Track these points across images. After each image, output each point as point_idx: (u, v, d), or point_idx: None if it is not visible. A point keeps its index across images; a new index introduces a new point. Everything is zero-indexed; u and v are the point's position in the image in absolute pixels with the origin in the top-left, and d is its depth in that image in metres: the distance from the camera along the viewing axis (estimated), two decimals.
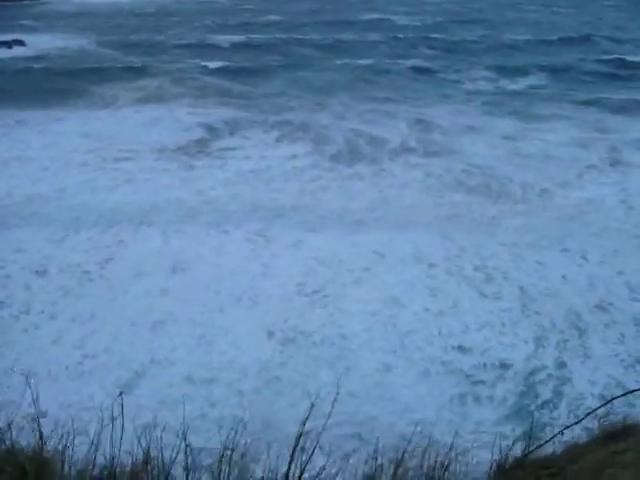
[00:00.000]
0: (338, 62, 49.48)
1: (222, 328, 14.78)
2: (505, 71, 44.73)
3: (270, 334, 14.55)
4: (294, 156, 27.05)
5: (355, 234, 19.57)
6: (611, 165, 25.93)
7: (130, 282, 16.93)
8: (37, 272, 17.46)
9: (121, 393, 5.50)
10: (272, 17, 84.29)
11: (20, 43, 60.16)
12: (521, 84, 42.01)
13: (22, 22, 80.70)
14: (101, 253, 18.52)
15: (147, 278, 17.11)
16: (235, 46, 57.72)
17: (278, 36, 64.07)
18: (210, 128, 30.87)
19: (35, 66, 48.71)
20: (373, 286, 16.61)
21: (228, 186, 23.63)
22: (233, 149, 28.19)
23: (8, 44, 59.83)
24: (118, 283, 16.91)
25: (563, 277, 17.16)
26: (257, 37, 64.39)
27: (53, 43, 61.54)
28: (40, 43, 61.22)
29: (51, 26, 75.67)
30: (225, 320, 15.13)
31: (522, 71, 44.83)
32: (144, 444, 4.66)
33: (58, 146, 28.61)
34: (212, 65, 47.93)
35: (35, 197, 22.69)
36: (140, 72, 44.23)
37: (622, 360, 13.69)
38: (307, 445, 4.78)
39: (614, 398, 7.53)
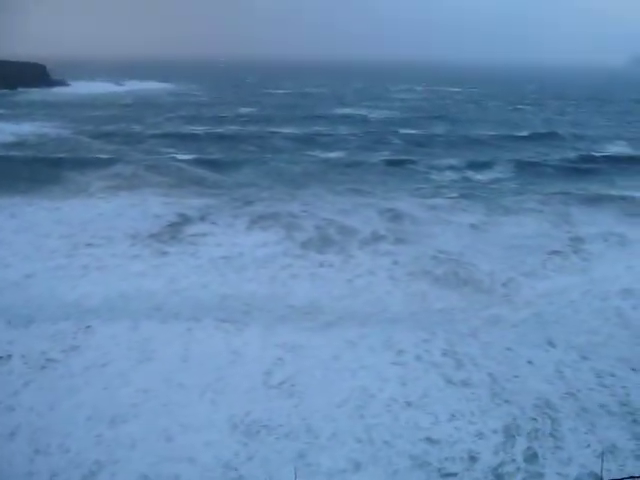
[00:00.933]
0: (310, 154, 50.85)
1: (185, 422, 14.40)
2: (472, 164, 46.21)
3: (234, 427, 14.21)
4: (265, 243, 27.30)
5: (324, 324, 19.53)
6: (575, 253, 26.52)
7: (94, 372, 16.56)
8: (0, 358, 17.16)
9: None
10: (247, 110, 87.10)
11: None
12: (488, 176, 43.34)
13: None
14: (67, 341, 18.19)
15: (111, 368, 16.75)
16: (210, 137, 59.13)
17: (252, 128, 65.82)
18: (182, 215, 31.13)
19: (11, 153, 49.32)
20: (341, 376, 16.46)
21: (199, 274, 23.61)
22: (205, 235, 28.37)
23: None
24: (81, 373, 16.52)
25: (530, 363, 17.23)
26: (232, 128, 66.14)
27: (29, 130, 62.61)
28: (17, 130, 62.33)
29: (29, 115, 77.18)
30: (188, 413, 14.75)
31: (488, 165, 46.34)
32: None
33: (30, 231, 28.62)
34: (186, 155, 48.90)
35: (1, 282, 22.42)
36: (115, 160, 44.74)
37: (594, 450, 13.57)
38: None
39: None
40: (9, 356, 17.40)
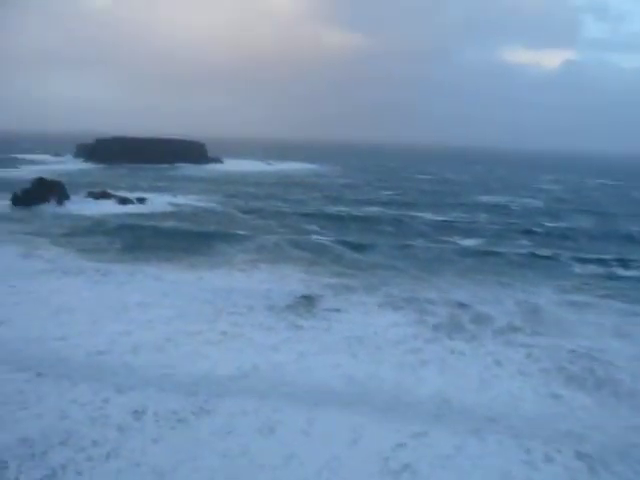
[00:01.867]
0: (448, 240, 50.75)
1: None
2: (619, 261, 43.93)
3: None
4: (397, 325, 27.37)
5: (450, 415, 19.03)
6: None
7: (217, 439, 17.10)
8: (135, 412, 18.31)
9: None
10: (388, 193, 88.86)
11: (141, 201, 67.14)
12: (636, 274, 40.95)
13: (158, 184, 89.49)
14: (198, 404, 19.06)
15: (234, 437, 17.20)
16: (351, 217, 60.65)
17: (392, 212, 66.90)
18: (319, 291, 32.23)
19: (166, 223, 53.47)
20: (461, 469, 16.01)
21: (331, 352, 23.89)
22: (339, 312, 28.92)
23: (142, 200, 66.92)
24: (206, 438, 17.16)
25: None
26: (372, 210, 67.59)
27: (185, 202, 67.62)
28: (174, 201, 67.56)
29: (186, 188, 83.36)
30: None
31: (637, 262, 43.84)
32: None
33: (174, 295, 30.73)
34: (327, 233, 50.63)
35: (142, 346, 24.03)
36: (259, 235, 47.11)
37: None
38: None
39: None
40: (144, 411, 18.49)
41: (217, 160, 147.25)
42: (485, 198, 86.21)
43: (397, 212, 66.57)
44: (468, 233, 54.29)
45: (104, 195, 68.98)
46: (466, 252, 44.74)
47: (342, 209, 67.42)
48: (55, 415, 18.03)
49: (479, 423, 18.54)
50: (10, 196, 64.00)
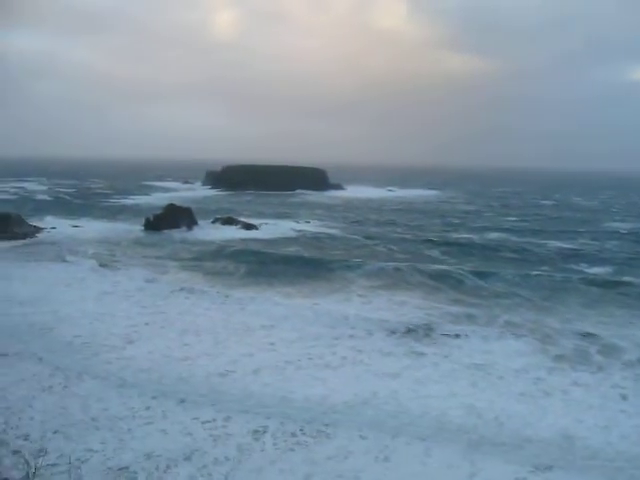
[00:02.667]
0: (574, 268, 48.51)
1: None
2: None
3: None
4: (519, 354, 26.43)
5: (575, 461, 17.78)
6: None
7: (333, 463, 17.09)
8: (255, 432, 18.68)
9: None
10: (511, 219, 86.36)
11: (264, 227, 69.02)
12: None
13: (281, 210, 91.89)
14: (315, 426, 19.19)
15: (349, 463, 17.14)
16: (474, 244, 59.23)
17: (515, 239, 64.84)
18: (439, 317, 31.89)
19: (288, 248, 54.83)
20: None
21: (449, 380, 23.40)
22: (458, 338, 28.39)
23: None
24: (323, 462, 17.16)
25: None
26: (495, 237, 65.81)
27: (306, 228, 69.07)
28: (296, 227, 69.30)
29: (308, 214, 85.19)
30: None
31: None
32: None
33: (294, 319, 31.26)
34: (447, 260, 49.93)
35: (263, 368, 24.55)
36: (379, 261, 47.12)
37: None
38: None
39: None
40: (264, 432, 18.84)
41: (338, 187, 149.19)
42: (615, 225, 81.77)
43: (521, 239, 64.46)
44: (596, 261, 51.63)
45: (229, 221, 71.68)
46: (593, 281, 42.45)
47: (464, 235, 66.24)
48: (179, 432, 18.74)
49: (606, 469, 17.30)
50: (143, 221, 68.20)
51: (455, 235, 66.69)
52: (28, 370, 23.67)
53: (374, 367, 24.76)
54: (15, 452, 16.82)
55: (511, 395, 22.09)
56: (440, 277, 42.35)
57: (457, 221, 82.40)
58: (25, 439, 17.89)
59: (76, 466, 16.33)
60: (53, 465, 16.30)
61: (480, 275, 42.73)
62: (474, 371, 24.40)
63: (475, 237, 65.13)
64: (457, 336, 28.67)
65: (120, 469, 16.45)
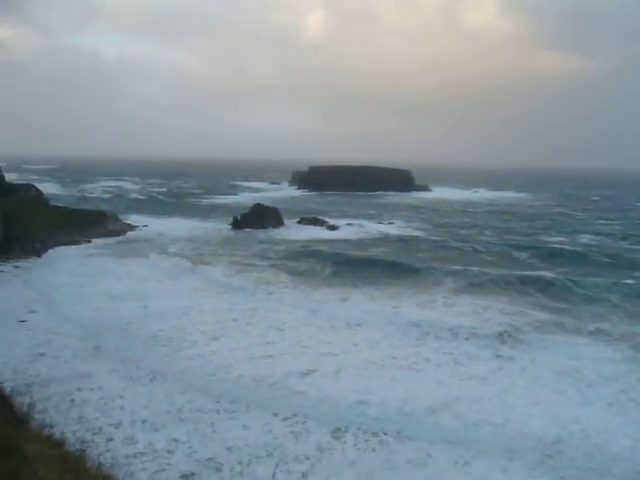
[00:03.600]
0: None
1: None
2: None
3: None
4: (608, 360, 25.55)
5: None
6: None
7: (414, 468, 16.95)
8: (336, 431, 18.81)
9: None
10: (605, 222, 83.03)
11: (349, 227, 69.64)
12: None
13: (367, 211, 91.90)
14: (396, 428, 19.12)
15: (429, 468, 16.91)
16: (564, 249, 56.91)
17: (609, 243, 62.27)
18: (526, 322, 31.05)
19: (374, 250, 54.79)
20: None
21: (535, 388, 22.66)
22: (545, 343, 27.65)
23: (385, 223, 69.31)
24: (403, 465, 17.06)
25: None
26: (588, 241, 63.30)
27: (391, 229, 68.72)
28: (382, 229, 69.14)
29: (393, 216, 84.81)
30: None
31: None
32: None
33: (384, 320, 31.22)
34: (535, 264, 48.66)
35: (345, 368, 24.67)
36: (465, 264, 46.37)
37: None
38: None
39: None
40: (345, 431, 18.92)
41: (424, 188, 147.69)
42: None
43: (614, 243, 61.95)
44: None
45: (315, 221, 72.40)
46: None
47: (554, 239, 64.08)
48: (260, 428, 19.06)
49: None
50: (231, 220, 69.88)
51: (544, 238, 64.61)
52: (118, 362, 24.78)
53: (459, 371, 24.44)
54: (109, 440, 17.65)
55: (599, 406, 21.20)
56: (527, 281, 41.14)
57: (546, 224, 79.93)
58: (117, 427, 18.69)
59: (163, 455, 16.96)
60: (142, 453, 16.99)
61: (569, 280, 41.27)
62: (561, 378, 23.67)
63: (565, 240, 62.96)
64: (544, 341, 27.89)
65: (207, 460, 16.92)
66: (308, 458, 17.24)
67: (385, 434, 18.80)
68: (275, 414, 20.00)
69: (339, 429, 19.02)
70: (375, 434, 18.75)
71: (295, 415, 19.89)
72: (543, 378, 23.67)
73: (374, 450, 17.85)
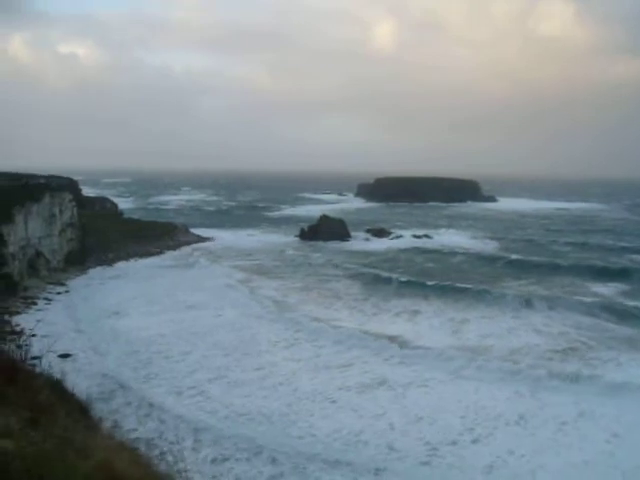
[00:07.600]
0: None
1: None
2: None
3: None
4: None
5: None
6: None
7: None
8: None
9: None
10: None
11: (417, 238, 69.24)
12: None
13: (435, 222, 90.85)
14: (450, 436, 18.90)
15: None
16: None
17: None
18: (597, 339, 30.26)
19: (449, 261, 54.52)
20: None
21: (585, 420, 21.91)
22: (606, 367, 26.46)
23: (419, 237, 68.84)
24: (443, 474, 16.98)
25: None
26: None
27: (463, 240, 68.03)
28: (449, 239, 68.42)
29: (460, 226, 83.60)
30: None
31: None
32: None
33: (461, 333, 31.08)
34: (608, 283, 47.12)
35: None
36: (534, 282, 45.41)
37: None
38: None
39: None
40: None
41: (491, 199, 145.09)
42: None
43: None
44: None
45: (381, 233, 72.24)
46: None
47: (633, 257, 59.28)
48: None
49: None
50: (298, 231, 70.58)
51: (625, 256, 59.95)
52: (196, 365, 26.61)
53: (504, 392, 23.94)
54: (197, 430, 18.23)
55: None
56: (600, 307, 37.71)
57: (626, 237, 75.07)
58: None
59: None
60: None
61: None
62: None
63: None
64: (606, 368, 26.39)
65: None
66: None
67: None
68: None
69: None
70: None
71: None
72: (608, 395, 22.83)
73: None
